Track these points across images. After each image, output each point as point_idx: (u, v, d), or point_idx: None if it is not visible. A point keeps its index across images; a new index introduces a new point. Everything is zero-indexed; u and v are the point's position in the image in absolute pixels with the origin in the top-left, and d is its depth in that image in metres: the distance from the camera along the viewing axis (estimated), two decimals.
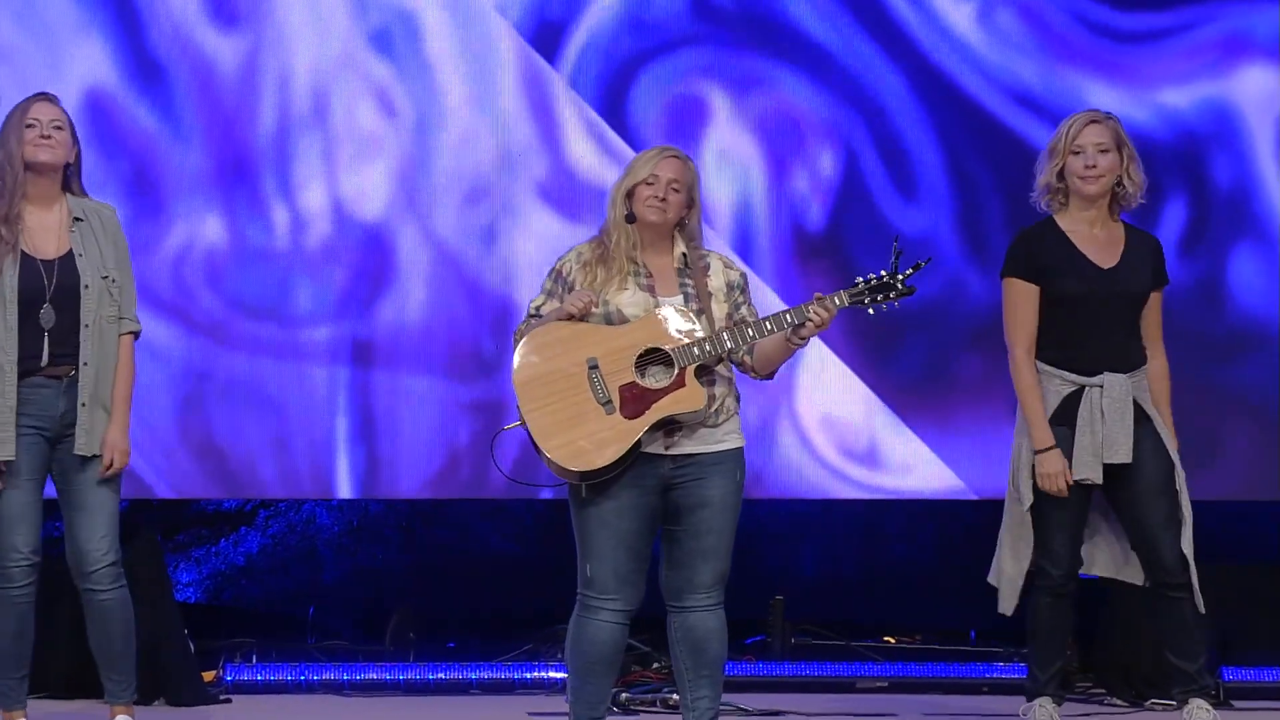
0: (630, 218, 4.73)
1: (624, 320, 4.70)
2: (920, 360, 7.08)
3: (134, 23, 6.88)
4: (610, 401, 4.62)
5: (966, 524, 7.22)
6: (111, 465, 5.04)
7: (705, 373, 4.70)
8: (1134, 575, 5.32)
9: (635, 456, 4.62)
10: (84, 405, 5.02)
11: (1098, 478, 5.18)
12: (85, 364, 5.04)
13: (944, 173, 7.14)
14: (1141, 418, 5.23)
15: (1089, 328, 5.23)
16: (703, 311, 4.73)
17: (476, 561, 7.45)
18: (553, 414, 4.61)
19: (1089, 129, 5.27)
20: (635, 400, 4.62)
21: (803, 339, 4.68)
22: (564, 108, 7.04)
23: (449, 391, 6.95)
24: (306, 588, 7.43)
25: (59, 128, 5.13)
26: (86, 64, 6.83)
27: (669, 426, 4.66)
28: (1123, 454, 5.16)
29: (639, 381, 4.64)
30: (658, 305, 4.71)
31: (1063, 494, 5.13)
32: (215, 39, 6.87)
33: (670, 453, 4.70)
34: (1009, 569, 5.26)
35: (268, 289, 6.96)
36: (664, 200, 4.73)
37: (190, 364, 6.90)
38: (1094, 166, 5.24)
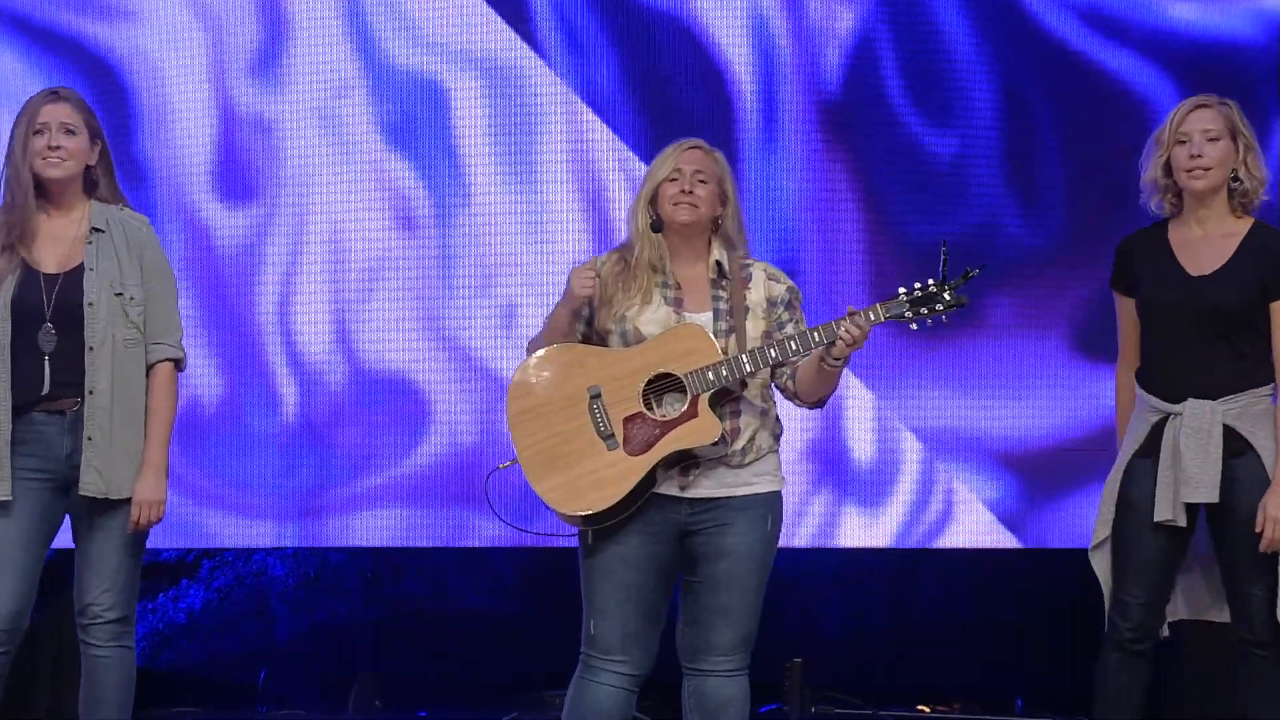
0: (656, 226, 4.59)
1: (640, 340, 4.57)
2: (958, 402, 6.87)
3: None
4: (612, 435, 4.49)
5: (1012, 577, 7.05)
6: (138, 521, 4.84)
7: (728, 402, 4.55)
8: (1219, 614, 5.11)
9: (645, 498, 4.49)
10: (90, 440, 4.80)
11: (1180, 520, 4.89)
12: (91, 392, 4.82)
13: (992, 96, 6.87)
14: (1243, 448, 4.92)
15: (1175, 345, 4.97)
16: (734, 330, 4.58)
17: (451, 618, 7.24)
18: (548, 451, 4.51)
19: (1195, 114, 4.99)
20: (641, 434, 4.49)
21: (837, 360, 4.49)
22: None
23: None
24: (258, 649, 7.26)
25: (71, 131, 4.91)
26: None
27: (684, 463, 4.52)
28: (1204, 493, 4.88)
29: (646, 412, 4.50)
30: (680, 323, 4.56)
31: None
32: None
33: (686, 495, 4.55)
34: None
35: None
36: (691, 193, 4.58)
37: None
38: (1200, 157, 4.95)
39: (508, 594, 7.26)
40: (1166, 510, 4.90)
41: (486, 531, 6.69)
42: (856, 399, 6.85)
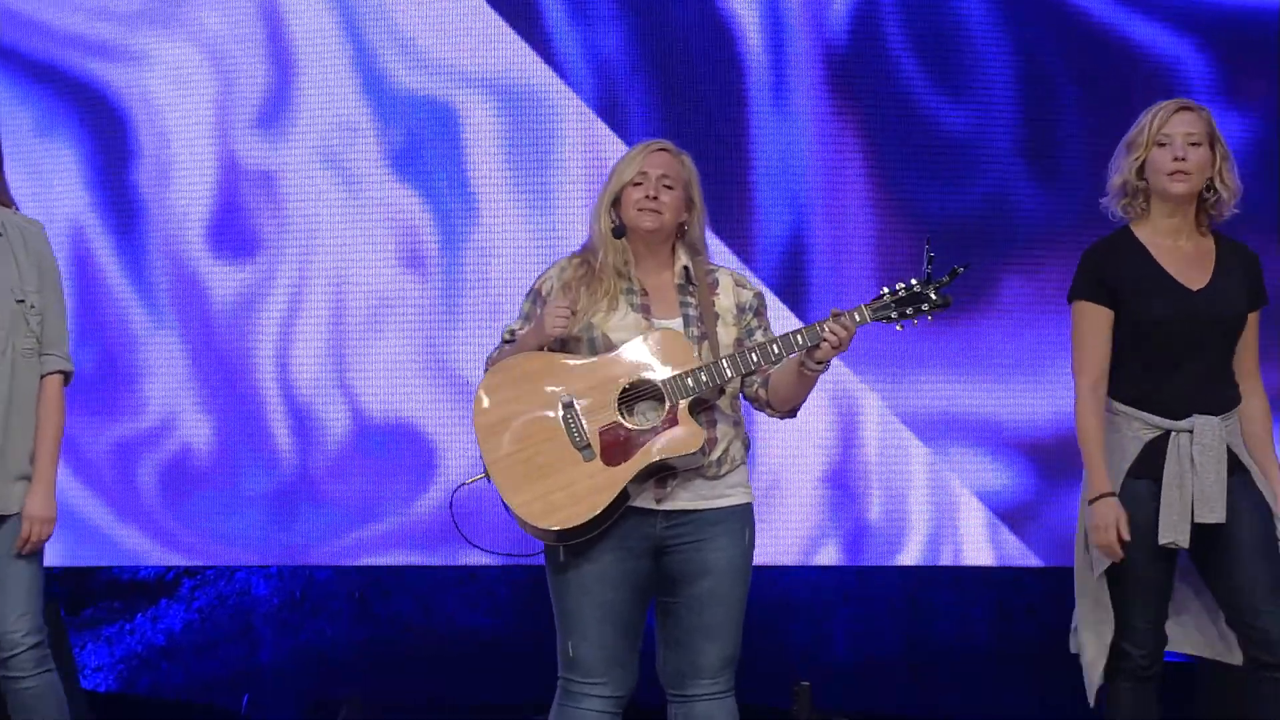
0: (619, 231, 4.57)
1: (611, 349, 4.51)
2: (967, 390, 6.85)
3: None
4: (589, 446, 4.44)
5: (1030, 597, 7.10)
6: (29, 538, 4.78)
7: (704, 410, 4.51)
8: (1230, 655, 5.05)
9: (621, 511, 4.44)
10: None
11: (1184, 541, 4.88)
12: None
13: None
14: (1235, 467, 4.93)
15: (1176, 360, 4.92)
16: (705, 337, 4.55)
17: (442, 640, 7.21)
18: (521, 464, 4.46)
19: (1179, 116, 4.97)
20: (619, 444, 4.44)
21: (819, 363, 4.45)
22: None
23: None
24: (240, 672, 7.23)
25: None
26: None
27: (661, 475, 4.48)
28: (1217, 513, 4.86)
29: (623, 421, 4.45)
30: (651, 329, 4.52)
31: (1113, 552, 4.87)
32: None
33: (662, 507, 4.50)
34: (1090, 651, 5.01)
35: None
36: (656, 199, 4.55)
37: None
38: (1183, 160, 4.93)
39: (502, 614, 7.25)
40: (1171, 532, 4.86)
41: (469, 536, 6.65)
42: (862, 403, 6.85)
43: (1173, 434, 4.86)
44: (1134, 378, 4.94)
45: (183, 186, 6.87)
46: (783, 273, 6.68)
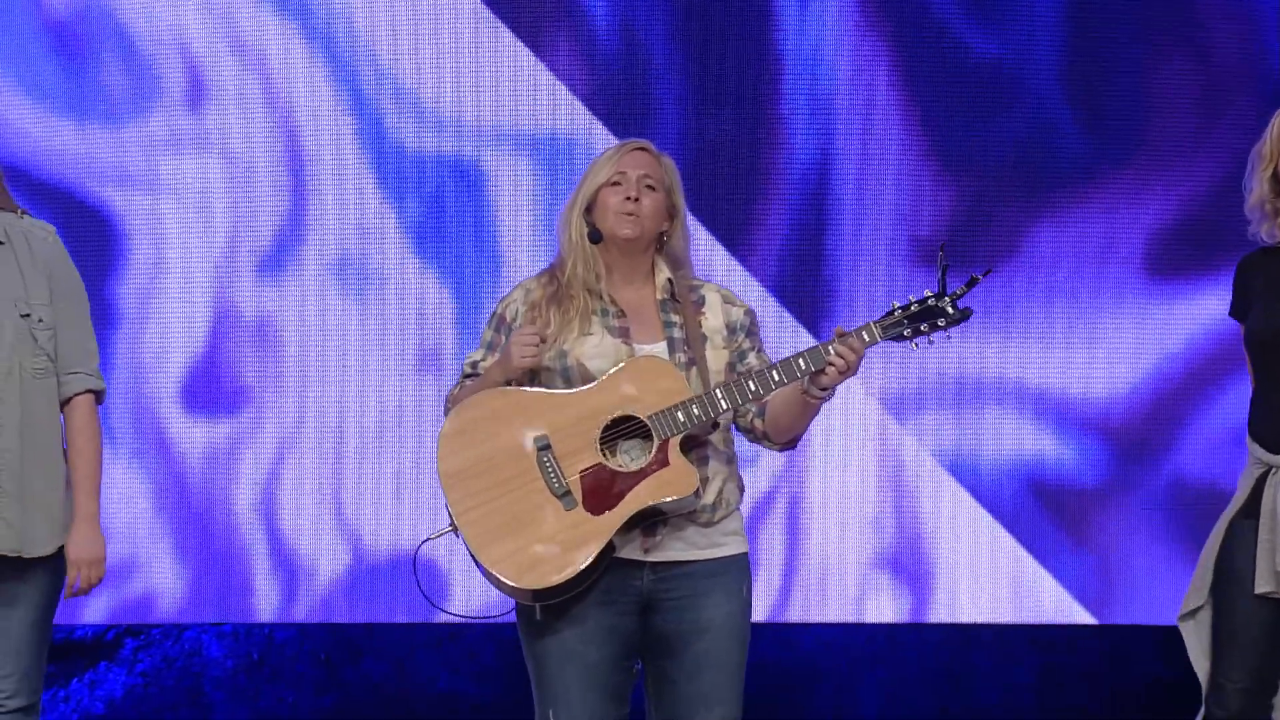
0: (595, 236, 4.43)
1: (588, 379, 4.39)
2: (1002, 413, 6.78)
3: None
4: (569, 493, 4.31)
5: (1083, 659, 6.91)
6: (76, 585, 4.64)
7: (695, 447, 4.39)
8: None
9: (607, 564, 4.33)
10: None
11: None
12: None
13: None
14: None
15: (1275, 384, 4.81)
16: (694, 362, 4.42)
17: (419, 705, 7.00)
18: (493, 515, 4.34)
19: None
20: (602, 488, 4.31)
21: (824, 389, 4.32)
22: None
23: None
24: None
25: None
26: None
27: (650, 522, 4.36)
28: None
29: (606, 463, 4.32)
30: (631, 355, 4.41)
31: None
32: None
33: (650, 558, 4.38)
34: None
35: None
36: (636, 202, 4.41)
37: None
38: None
39: (487, 678, 7.06)
40: (1266, 581, 4.73)
41: (458, 604, 6.51)
42: (879, 429, 6.77)
43: (1273, 471, 4.75)
44: (1253, 404, 4.88)
45: (170, 324, 6.78)
46: (808, 213, 6.56)
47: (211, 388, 6.83)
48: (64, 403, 4.69)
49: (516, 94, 6.81)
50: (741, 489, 4.53)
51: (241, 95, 6.73)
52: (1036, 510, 6.83)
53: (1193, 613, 4.86)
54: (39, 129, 6.79)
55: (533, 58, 6.80)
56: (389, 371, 6.76)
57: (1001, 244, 6.78)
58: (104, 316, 6.71)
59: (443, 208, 6.78)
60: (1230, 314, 4.94)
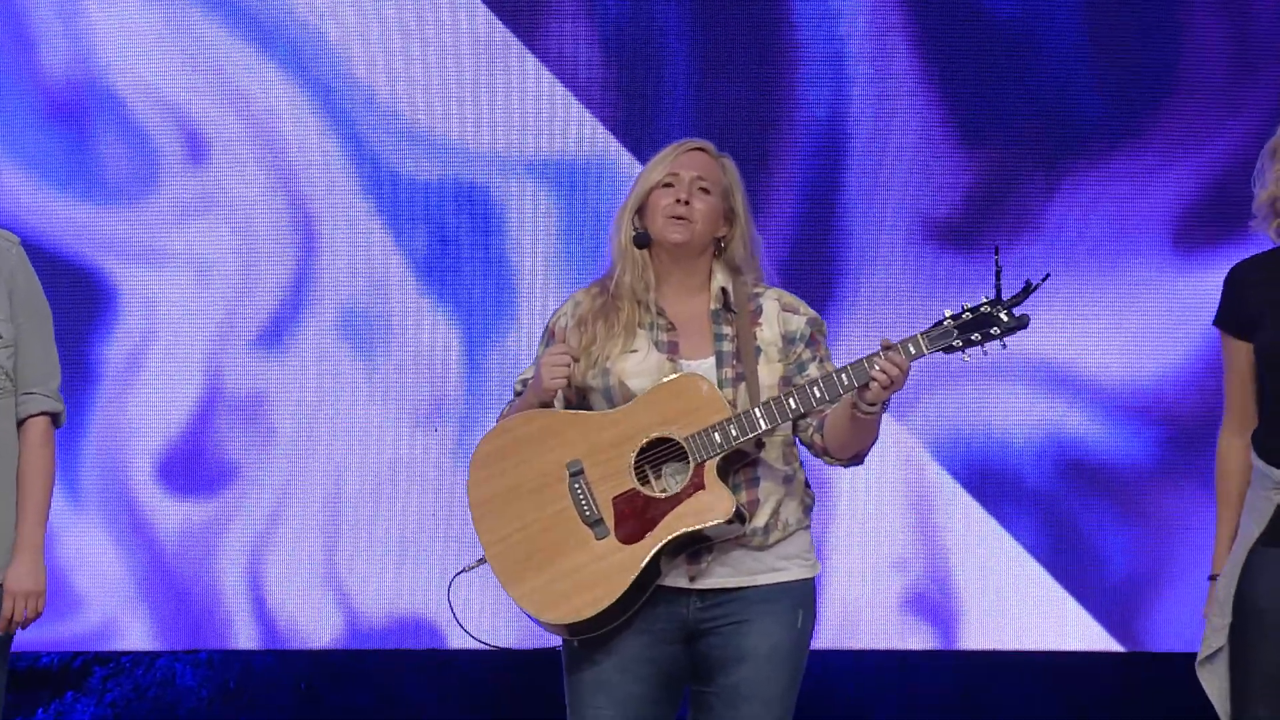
0: (642, 239, 4.39)
1: (629, 398, 4.35)
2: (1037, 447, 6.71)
3: None
4: (600, 521, 4.28)
5: (1109, 689, 6.82)
6: (12, 618, 4.56)
7: (742, 468, 4.33)
8: None
9: (649, 593, 4.28)
10: None
11: None
12: None
13: None
14: None
15: None
16: (742, 378, 4.36)
17: None
18: (521, 545, 4.32)
19: None
20: (635, 516, 4.27)
21: (872, 405, 4.24)
22: None
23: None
24: None
25: None
26: None
27: (694, 548, 4.29)
28: None
29: (640, 488, 4.27)
30: (675, 372, 4.36)
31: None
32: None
33: (696, 586, 4.31)
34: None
35: None
36: (689, 204, 4.34)
37: None
38: None
39: (481, 708, 6.94)
40: None
41: (449, 626, 6.49)
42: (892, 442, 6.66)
43: None
44: (1267, 424, 4.74)
45: (154, 393, 6.65)
46: (821, 167, 6.50)
47: (194, 465, 6.77)
48: (18, 423, 4.61)
49: (525, 110, 6.73)
50: (808, 507, 4.47)
51: (240, 153, 6.68)
52: (1063, 530, 6.73)
53: (1213, 656, 4.77)
54: (41, 201, 6.71)
55: (529, 55, 6.71)
56: (389, 427, 6.72)
57: (1018, 219, 6.72)
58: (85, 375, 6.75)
59: (452, 239, 6.73)
60: (1216, 323, 4.84)
